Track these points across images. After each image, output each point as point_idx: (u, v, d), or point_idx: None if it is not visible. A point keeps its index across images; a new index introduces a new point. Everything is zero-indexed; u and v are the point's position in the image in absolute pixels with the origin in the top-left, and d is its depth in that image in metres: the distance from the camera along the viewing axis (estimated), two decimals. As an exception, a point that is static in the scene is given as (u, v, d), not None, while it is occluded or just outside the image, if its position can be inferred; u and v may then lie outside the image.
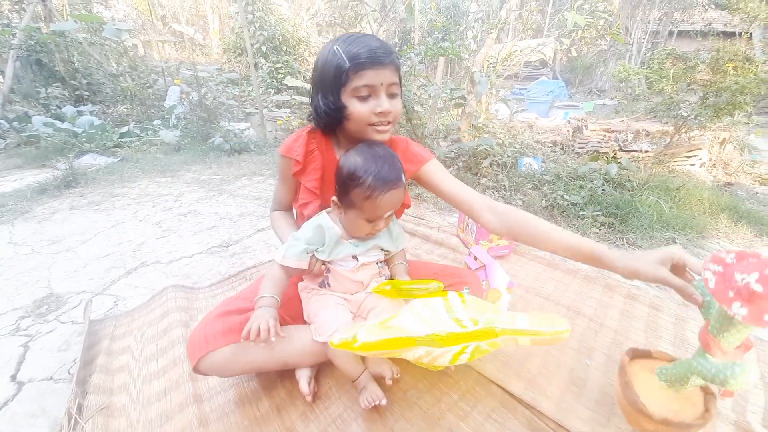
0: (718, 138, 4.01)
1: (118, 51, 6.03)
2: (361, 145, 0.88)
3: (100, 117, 5.06)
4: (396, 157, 0.89)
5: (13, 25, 5.13)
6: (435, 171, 1.01)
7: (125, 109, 5.66)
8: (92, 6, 6.86)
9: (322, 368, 1.00)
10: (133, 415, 0.92)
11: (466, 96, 3.43)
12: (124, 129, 4.63)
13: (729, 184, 3.64)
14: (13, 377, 1.14)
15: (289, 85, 6.80)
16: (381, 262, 1.02)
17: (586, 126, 4.34)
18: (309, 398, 0.90)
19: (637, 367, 0.82)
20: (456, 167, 3.10)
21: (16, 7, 5.55)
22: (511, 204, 2.54)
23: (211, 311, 0.93)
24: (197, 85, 4.71)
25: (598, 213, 2.35)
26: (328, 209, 0.96)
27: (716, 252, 0.65)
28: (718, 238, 2.22)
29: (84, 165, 3.53)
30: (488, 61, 3.84)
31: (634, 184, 2.74)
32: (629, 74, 7.58)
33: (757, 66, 4.02)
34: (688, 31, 9.87)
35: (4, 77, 4.91)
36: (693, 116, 3.36)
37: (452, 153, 3.17)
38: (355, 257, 0.95)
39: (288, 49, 8.08)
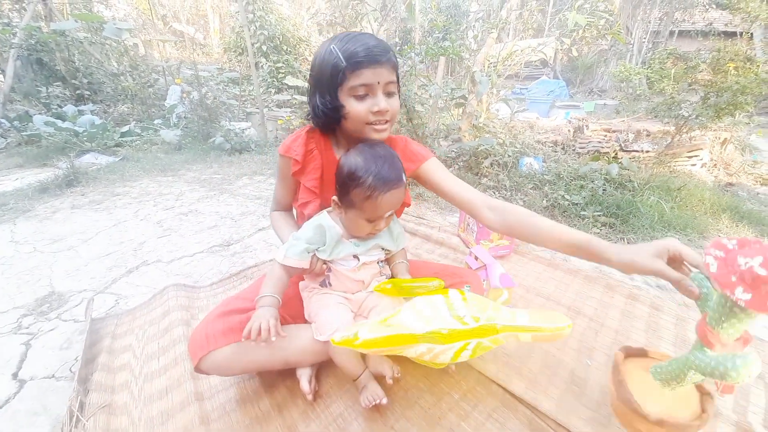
0: (719, 138, 4.00)
1: (119, 50, 6.04)
2: (362, 145, 0.88)
3: (101, 116, 5.07)
4: (396, 156, 0.89)
5: (14, 24, 5.14)
6: (435, 169, 1.01)
7: (126, 109, 5.67)
8: (93, 5, 6.86)
9: (323, 367, 1.00)
10: (135, 413, 0.92)
11: (466, 96, 3.43)
12: (125, 128, 4.63)
13: (730, 184, 3.64)
14: (15, 375, 1.14)
15: (290, 84, 6.81)
16: (382, 261, 1.02)
17: (587, 126, 4.34)
18: (310, 397, 0.91)
19: (631, 365, 0.80)
20: (457, 167, 3.10)
21: (17, 6, 5.55)
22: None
23: (212, 311, 0.94)
24: (198, 85, 4.71)
25: (599, 213, 2.35)
26: (329, 209, 0.96)
27: (717, 238, 0.63)
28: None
29: (85, 164, 3.53)
30: (489, 60, 3.84)
31: (635, 184, 2.73)
32: (630, 74, 7.57)
33: (758, 66, 4.02)
34: (689, 31, 9.86)
35: (4, 76, 4.91)
36: (694, 116, 3.36)
37: (453, 153, 3.17)
38: (356, 257, 0.95)
39: (288, 49, 8.08)
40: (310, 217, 0.96)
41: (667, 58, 7.60)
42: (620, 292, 1.40)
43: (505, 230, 0.92)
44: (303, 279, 1.02)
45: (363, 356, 0.92)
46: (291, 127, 4.66)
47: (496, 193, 2.80)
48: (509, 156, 3.12)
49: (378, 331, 0.76)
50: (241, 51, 8.42)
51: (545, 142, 4.08)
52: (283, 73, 7.55)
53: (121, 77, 5.65)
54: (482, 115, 3.84)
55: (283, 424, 0.88)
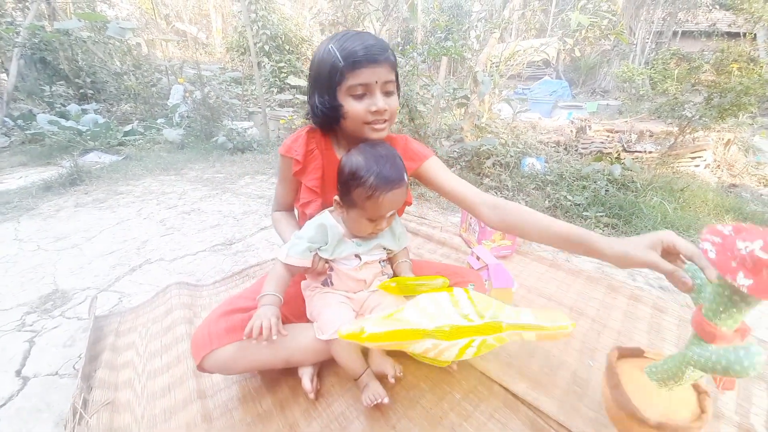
0: (723, 139, 4.00)
1: (122, 50, 6.05)
2: (363, 145, 0.88)
3: (104, 115, 5.09)
4: (398, 156, 0.89)
5: (17, 23, 5.16)
6: (435, 168, 1.01)
7: (129, 108, 5.69)
8: (96, 4, 6.88)
9: (325, 366, 1.00)
10: (138, 411, 0.93)
11: (469, 96, 3.43)
12: (128, 127, 4.65)
13: (734, 185, 3.63)
14: (19, 372, 1.15)
15: (292, 84, 6.82)
16: (383, 260, 1.02)
17: (589, 126, 4.33)
18: (311, 396, 0.91)
19: (624, 366, 0.77)
20: (459, 167, 3.10)
21: (20, 5, 5.57)
22: (514, 204, 2.53)
23: (215, 310, 0.94)
24: (200, 84, 4.72)
25: (601, 214, 2.34)
26: (331, 208, 0.96)
27: (712, 224, 0.61)
28: (721, 240, 2.22)
29: (88, 163, 3.54)
30: (491, 60, 3.84)
31: (638, 185, 2.73)
32: (633, 74, 7.55)
33: (762, 67, 4.01)
34: (693, 32, 9.81)
35: (8, 75, 4.93)
36: (697, 117, 3.35)
37: (455, 153, 3.17)
38: (357, 256, 0.95)
39: (291, 48, 8.10)
40: (311, 216, 0.96)
41: (671, 58, 7.57)
42: (623, 293, 1.40)
43: (504, 227, 0.92)
44: (305, 278, 1.02)
45: (365, 355, 0.92)
46: (293, 127, 4.66)
47: (499, 193, 2.80)
48: (511, 156, 3.12)
49: (384, 325, 0.77)
50: (243, 50, 8.44)
51: (547, 142, 4.08)
52: (285, 72, 7.56)
53: (125, 76, 5.67)
54: (484, 115, 3.84)
55: (285, 423, 0.88)
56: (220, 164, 3.76)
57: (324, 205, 0.98)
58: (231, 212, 2.47)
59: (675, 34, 10.32)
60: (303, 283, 1.03)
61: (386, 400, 0.85)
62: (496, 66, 3.83)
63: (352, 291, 0.97)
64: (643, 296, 1.37)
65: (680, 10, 9.76)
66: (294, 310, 1.01)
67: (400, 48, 3.88)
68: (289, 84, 7.12)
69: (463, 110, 3.74)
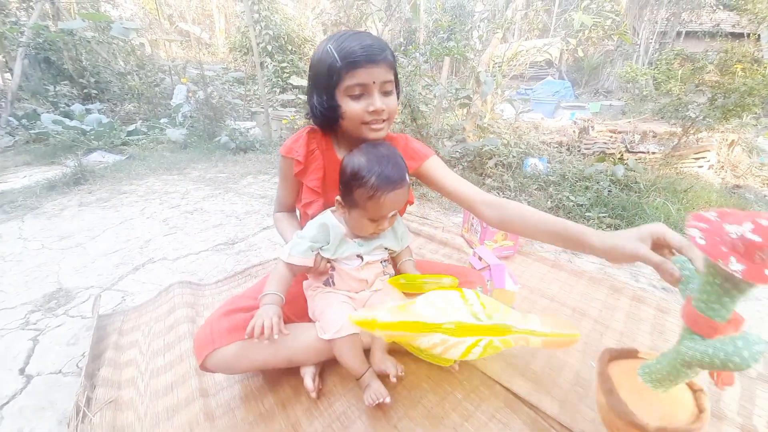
0: (727, 140, 3.98)
1: (126, 50, 6.09)
2: (365, 145, 0.88)
3: (107, 115, 5.11)
4: (400, 156, 0.89)
5: (22, 23, 5.19)
6: (436, 167, 1.01)
7: (132, 108, 5.72)
8: (100, 5, 6.91)
9: (327, 365, 1.00)
10: (141, 409, 0.93)
11: (471, 96, 3.43)
12: (132, 127, 4.67)
13: (737, 186, 3.61)
14: (22, 371, 1.15)
15: (295, 84, 6.84)
16: (385, 260, 1.02)
17: (592, 127, 4.33)
18: (313, 395, 0.91)
19: (616, 370, 0.74)
20: (461, 167, 3.10)
21: (24, 5, 5.60)
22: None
23: (217, 309, 0.94)
24: (203, 84, 4.74)
25: (604, 214, 2.34)
26: (332, 208, 0.96)
27: (696, 212, 0.58)
28: (725, 241, 2.20)
29: (92, 162, 3.56)
30: (494, 60, 3.83)
31: (641, 186, 2.72)
32: (636, 75, 7.53)
33: (765, 68, 4.00)
34: (696, 32, 9.78)
35: (12, 75, 4.96)
36: (701, 117, 3.34)
37: (457, 153, 3.17)
38: (359, 256, 0.95)
39: (293, 49, 8.11)
40: (313, 217, 0.96)
41: (674, 58, 7.54)
42: (625, 294, 1.40)
43: (502, 226, 0.92)
44: (307, 278, 1.02)
45: (367, 355, 0.92)
46: (295, 127, 4.67)
47: (501, 194, 2.79)
48: (514, 157, 3.12)
49: (396, 315, 0.77)
50: (246, 51, 8.46)
51: (550, 142, 4.08)
52: (287, 72, 7.58)
53: (128, 76, 5.69)
54: (487, 115, 3.84)
55: (287, 422, 0.88)
56: (223, 164, 3.77)
57: (325, 205, 0.98)
58: (233, 212, 2.48)
59: (679, 34, 10.29)
60: (305, 282, 1.03)
61: (388, 400, 0.85)
62: (499, 66, 3.83)
63: (354, 291, 0.97)
64: (646, 297, 1.37)
65: (684, 11, 9.74)
66: (296, 310, 1.01)
67: (402, 48, 3.89)
68: (291, 84, 7.14)
69: (465, 110, 3.74)
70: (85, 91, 5.64)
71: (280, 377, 0.99)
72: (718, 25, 9.41)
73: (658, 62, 7.99)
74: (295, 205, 1.08)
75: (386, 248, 1.01)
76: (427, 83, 3.44)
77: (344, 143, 0.98)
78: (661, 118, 4.52)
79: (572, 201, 2.50)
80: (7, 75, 5.48)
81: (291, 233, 0.97)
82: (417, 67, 3.15)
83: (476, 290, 0.88)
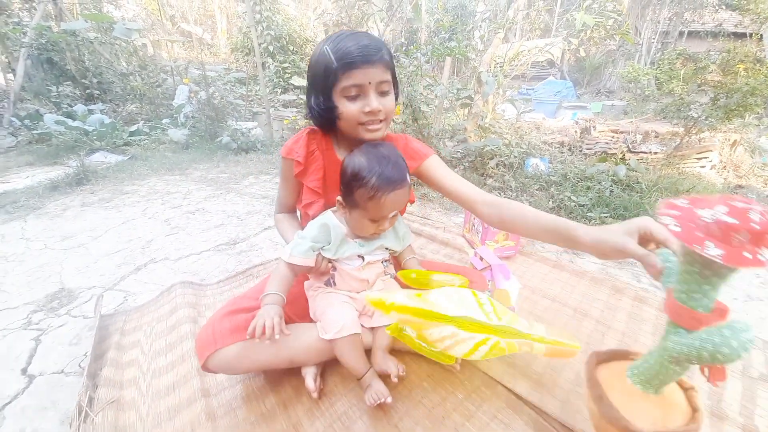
0: (729, 140, 3.97)
1: (128, 50, 6.11)
2: (366, 145, 0.88)
3: (110, 115, 5.13)
4: (401, 156, 0.89)
5: (24, 23, 5.21)
6: (436, 167, 1.02)
7: (135, 108, 5.73)
8: (102, 5, 6.94)
9: (328, 365, 1.00)
10: (143, 409, 0.93)
11: (472, 96, 3.43)
12: (134, 127, 4.69)
13: (740, 186, 3.60)
14: (25, 371, 1.16)
15: (296, 84, 6.85)
16: (386, 260, 1.02)
17: (594, 127, 4.32)
18: (315, 395, 0.91)
19: (605, 373, 0.71)
20: (462, 167, 3.10)
21: (27, 5, 5.63)
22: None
23: (219, 310, 0.95)
24: (205, 85, 4.75)
25: (605, 215, 2.33)
26: (333, 208, 0.97)
27: (666, 200, 0.56)
28: (727, 241, 2.20)
29: (94, 162, 3.57)
30: (495, 61, 3.83)
31: (643, 186, 2.71)
32: (638, 75, 7.52)
33: (769, 67, 3.98)
34: (699, 32, 9.75)
35: (15, 75, 4.99)
36: (703, 117, 3.33)
37: (458, 153, 3.17)
38: (360, 256, 0.95)
39: (295, 49, 8.13)
40: (314, 217, 0.96)
41: (677, 58, 7.53)
42: (627, 294, 1.39)
43: (502, 225, 0.92)
44: (308, 278, 1.02)
45: (367, 355, 0.92)
46: (297, 127, 4.68)
47: (502, 194, 2.79)
48: (515, 157, 3.11)
49: (411, 300, 0.78)
50: (248, 51, 8.48)
51: (552, 143, 4.07)
52: (289, 73, 7.60)
53: (130, 77, 5.71)
54: (488, 115, 3.84)
55: (288, 422, 0.88)
56: (225, 164, 3.77)
57: (326, 206, 0.98)
58: (235, 212, 2.48)
59: (681, 34, 10.26)
60: (306, 283, 1.03)
61: (389, 400, 0.85)
62: (500, 66, 3.83)
63: (355, 291, 0.97)
64: (647, 297, 1.36)
65: (686, 10, 9.71)
66: (297, 310, 1.01)
67: (404, 48, 3.89)
68: (293, 84, 7.15)
69: (466, 110, 3.74)
70: (87, 91, 5.67)
71: (282, 377, 0.99)
72: (720, 24, 9.38)
73: (660, 62, 7.98)
74: (295, 205, 1.09)
75: (387, 248, 1.01)
76: (428, 83, 3.44)
77: (344, 144, 0.98)
78: (663, 118, 4.51)
79: (574, 201, 2.50)
80: (10, 75, 5.52)
81: (292, 234, 0.97)
82: (418, 67, 3.16)
83: (486, 293, 0.89)
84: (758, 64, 4.14)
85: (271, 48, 7.73)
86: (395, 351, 1.00)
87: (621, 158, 3.41)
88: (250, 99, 6.30)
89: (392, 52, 0.93)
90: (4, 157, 3.88)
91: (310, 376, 0.93)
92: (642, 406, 0.64)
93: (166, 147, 4.33)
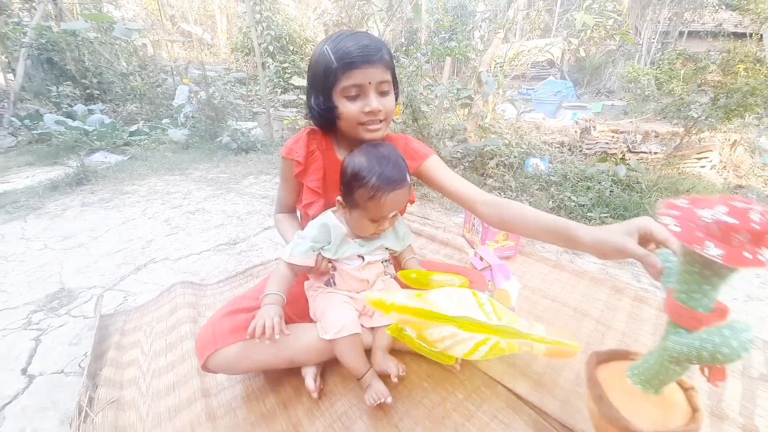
0: (729, 140, 3.97)
1: (128, 50, 6.11)
2: (366, 145, 0.88)
3: (110, 115, 5.13)
4: (401, 156, 0.89)
5: (24, 23, 5.21)
6: (436, 166, 1.02)
7: (135, 108, 5.74)
8: (102, 5, 6.94)
9: (328, 365, 1.00)
10: (143, 409, 0.93)
11: (472, 96, 3.43)
12: (134, 127, 4.69)
13: (740, 186, 3.60)
14: (25, 371, 1.16)
15: (296, 84, 6.85)
16: (386, 260, 1.02)
17: (594, 127, 4.32)
18: (315, 395, 0.91)
19: (605, 373, 0.71)
20: (462, 167, 3.10)
21: (27, 5, 5.63)
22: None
23: (219, 310, 0.95)
24: (205, 85, 4.75)
25: (605, 215, 2.33)
26: (333, 208, 0.97)
27: (665, 200, 0.56)
28: (727, 241, 2.20)
29: (94, 162, 3.57)
30: (495, 61, 3.83)
31: (643, 186, 2.71)
32: (638, 75, 7.52)
33: (768, 67, 3.98)
34: (699, 32, 9.76)
35: (15, 75, 4.99)
36: (703, 117, 3.33)
37: (458, 153, 3.17)
38: (360, 256, 0.95)
39: (295, 49, 8.13)
40: (314, 217, 0.96)
41: (677, 58, 7.53)
42: (627, 294, 1.39)
43: (502, 225, 0.92)
44: (308, 278, 1.02)
45: (368, 355, 0.92)
46: (297, 127, 4.68)
47: (502, 194, 2.79)
48: (515, 157, 3.11)
49: (412, 300, 0.78)
50: (248, 51, 8.48)
51: (552, 143, 4.07)
52: (289, 73, 7.60)
53: (130, 77, 5.71)
54: (488, 115, 3.84)
55: (288, 422, 0.88)
56: (225, 164, 3.77)
57: (326, 206, 0.98)
58: (235, 212, 2.48)
59: (681, 34, 10.26)
60: (306, 283, 1.03)
61: (389, 400, 0.85)
62: (500, 66, 3.83)
63: (355, 291, 0.97)
64: (647, 297, 1.36)
65: (686, 10, 9.71)
66: (297, 310, 1.01)
67: (404, 48, 3.89)
68: (293, 84, 7.15)
69: (466, 110, 3.74)
70: (87, 91, 5.67)
71: (282, 377, 0.99)
72: (720, 24, 9.38)
73: (660, 62, 7.98)
74: (295, 206, 1.09)
75: (387, 248, 1.01)
76: (428, 83, 3.44)
77: (344, 143, 0.98)
78: (663, 118, 4.51)
79: (574, 201, 2.50)
80: (10, 75, 5.52)
81: (292, 234, 0.97)
82: (418, 67, 3.16)
83: (486, 293, 0.89)
84: (758, 64, 4.14)
85: (271, 48, 7.74)
86: (395, 351, 1.00)
87: (621, 158, 3.41)
88: (250, 99, 6.31)
89: (392, 52, 0.93)
90: (4, 157, 3.88)
91: (310, 376, 0.93)
92: (642, 406, 0.64)
93: (166, 147, 4.33)
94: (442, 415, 0.88)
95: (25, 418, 0.99)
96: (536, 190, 2.81)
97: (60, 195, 2.79)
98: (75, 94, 5.54)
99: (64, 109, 4.97)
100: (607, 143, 3.95)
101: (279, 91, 7.25)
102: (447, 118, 3.88)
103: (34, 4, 5.42)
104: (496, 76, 3.29)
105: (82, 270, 1.76)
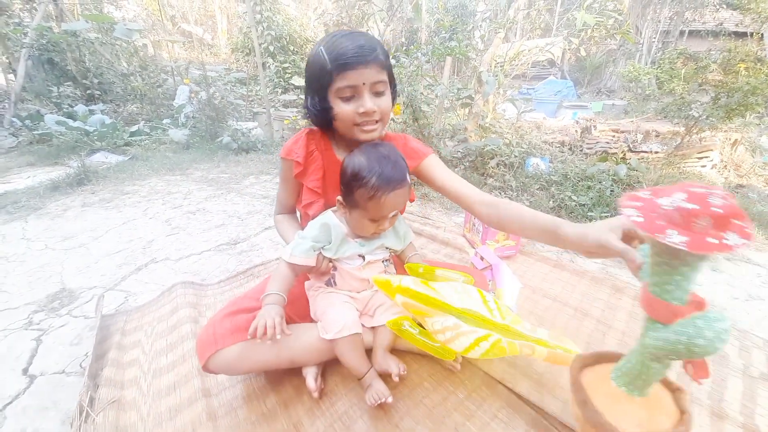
0: (730, 139, 3.96)
1: (129, 51, 6.11)
2: (366, 145, 0.88)
3: (111, 116, 5.13)
4: (401, 156, 0.89)
5: (25, 24, 5.22)
6: (435, 166, 1.02)
7: (135, 108, 5.74)
8: (103, 6, 6.94)
9: (329, 365, 1.00)
10: (144, 409, 0.93)
11: (473, 96, 3.43)
12: (135, 128, 4.69)
13: (740, 186, 3.59)
14: (26, 371, 1.16)
15: (296, 84, 6.84)
16: (387, 260, 1.02)
17: (594, 126, 4.32)
18: (315, 395, 0.91)
19: (590, 377, 0.70)
20: (463, 167, 3.10)
21: (28, 6, 5.63)
22: (518, 204, 2.53)
23: (220, 311, 0.95)
24: (206, 85, 4.75)
25: (606, 214, 2.33)
26: (334, 208, 0.97)
27: (628, 192, 0.56)
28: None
29: (95, 163, 3.58)
30: (496, 60, 3.83)
31: (644, 186, 2.71)
32: (639, 74, 7.51)
33: (770, 66, 3.97)
34: (699, 31, 9.74)
35: (16, 76, 4.99)
36: (704, 117, 3.33)
37: (459, 153, 3.17)
38: (361, 256, 0.95)
39: (295, 49, 8.14)
40: (314, 217, 0.96)
41: (677, 58, 7.52)
42: (628, 293, 1.39)
43: (499, 225, 0.92)
44: (309, 278, 1.03)
45: (368, 355, 0.92)
46: (297, 127, 4.68)
47: (503, 193, 2.79)
48: (516, 156, 3.11)
49: (418, 285, 0.79)
50: (248, 51, 8.48)
51: (552, 142, 4.06)
52: (289, 73, 7.60)
53: (131, 77, 5.72)
54: (489, 115, 3.84)
55: (289, 421, 0.88)
56: (225, 164, 3.78)
57: (326, 206, 0.98)
58: (235, 212, 2.48)
59: (682, 33, 10.24)
60: (306, 283, 1.03)
61: (390, 400, 0.85)
62: (501, 66, 3.83)
63: (356, 291, 0.97)
64: (648, 297, 1.36)
65: (687, 10, 9.69)
66: (298, 311, 1.01)
67: (404, 48, 3.89)
68: (293, 84, 7.15)
69: (467, 110, 3.74)
70: (88, 92, 5.67)
71: (282, 377, 0.99)
72: (721, 24, 9.37)
73: (661, 61, 7.97)
74: (295, 206, 1.09)
75: (387, 248, 1.01)
76: (428, 83, 3.45)
77: (343, 144, 0.98)
78: (664, 117, 4.51)
79: (574, 201, 2.50)
80: (11, 76, 5.52)
81: (292, 234, 0.97)
82: (419, 67, 3.16)
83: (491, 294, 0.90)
84: (759, 64, 4.14)
85: (271, 48, 7.74)
86: (396, 351, 1.00)
87: (622, 158, 3.40)
88: (250, 99, 6.31)
89: (393, 51, 0.93)
90: (5, 157, 3.88)
91: (310, 375, 0.93)
92: (627, 408, 0.63)
93: (166, 147, 4.34)
94: (443, 415, 0.88)
95: (26, 418, 1.00)
96: (537, 189, 2.81)
97: (61, 195, 2.79)
98: (76, 94, 5.54)
99: (64, 110, 4.97)
100: (607, 143, 3.94)
101: (279, 91, 7.26)
102: (447, 118, 3.88)
103: (34, 5, 5.42)
104: (496, 75, 3.29)
105: (82, 270, 1.76)
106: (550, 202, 2.57)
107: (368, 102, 0.84)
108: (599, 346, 1.11)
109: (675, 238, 0.46)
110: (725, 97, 3.25)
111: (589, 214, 2.35)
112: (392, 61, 3.19)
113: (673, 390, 0.66)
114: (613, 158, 3.34)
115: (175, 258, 1.87)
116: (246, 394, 0.96)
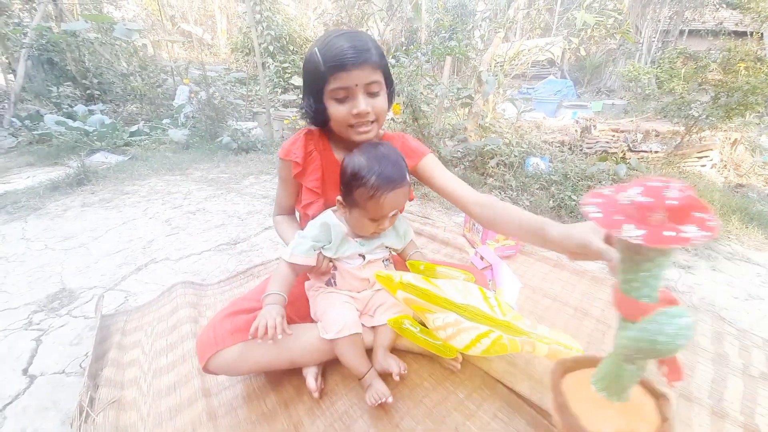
0: (730, 139, 3.96)
1: (129, 51, 6.11)
2: (366, 144, 0.89)
3: (110, 116, 5.13)
4: (400, 156, 0.89)
5: (25, 24, 5.22)
6: (432, 165, 1.02)
7: (135, 108, 5.73)
8: (103, 6, 6.94)
9: (329, 365, 1.00)
10: (144, 409, 0.94)
11: (473, 95, 3.43)
12: (134, 128, 4.69)
13: (740, 185, 3.59)
14: (26, 371, 1.16)
15: (296, 84, 6.84)
16: (387, 259, 1.02)
17: (594, 126, 4.31)
18: (316, 394, 0.91)
19: (571, 381, 0.69)
20: (462, 167, 3.09)
21: (27, 6, 5.63)
22: (518, 204, 2.53)
23: (220, 311, 0.95)
24: (205, 85, 4.75)
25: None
26: (334, 207, 0.97)
27: (592, 190, 0.55)
28: (729, 240, 2.20)
29: (95, 163, 3.57)
30: (495, 60, 3.83)
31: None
32: (639, 74, 7.50)
33: (770, 66, 3.97)
34: (699, 30, 9.74)
35: (15, 76, 4.99)
36: (704, 116, 3.33)
37: (459, 153, 3.16)
38: (361, 255, 0.96)
39: (295, 49, 8.13)
40: (313, 218, 0.96)
41: (677, 57, 7.52)
42: (627, 293, 1.39)
43: (492, 226, 0.92)
44: (309, 279, 1.03)
45: (369, 355, 0.93)
46: (297, 127, 4.68)
47: (502, 193, 2.79)
48: (515, 156, 3.11)
49: (420, 282, 0.79)
50: (248, 51, 8.47)
51: (552, 142, 4.06)
52: (289, 73, 7.59)
53: (131, 77, 5.71)
54: (488, 114, 3.84)
55: (289, 421, 0.88)
56: (225, 164, 3.77)
57: (326, 206, 0.99)
58: (235, 212, 2.48)
59: (682, 32, 10.23)
60: (307, 283, 1.03)
61: (390, 400, 0.85)
62: (501, 65, 3.83)
63: (356, 290, 0.97)
64: (648, 297, 1.36)
65: (687, 9, 9.69)
66: (298, 311, 1.01)
67: (404, 48, 3.88)
68: (293, 84, 7.15)
69: (466, 110, 3.74)
70: (88, 92, 5.67)
71: (283, 377, 0.99)
72: (721, 23, 9.36)
73: (660, 61, 7.97)
74: (294, 207, 1.09)
75: (388, 247, 1.01)
76: (428, 83, 3.44)
77: (341, 143, 0.98)
78: (664, 117, 4.51)
79: (574, 200, 2.50)
80: (11, 76, 5.51)
81: (292, 235, 0.97)
82: (419, 66, 3.15)
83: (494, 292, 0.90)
84: (759, 63, 4.14)
85: (271, 48, 7.73)
86: (396, 350, 1.00)
87: (621, 157, 3.41)
88: (250, 99, 6.30)
89: (392, 51, 0.93)
90: (5, 157, 3.88)
91: (311, 375, 0.93)
92: (607, 414, 0.62)
93: (166, 147, 4.34)
94: (443, 414, 0.88)
95: (26, 418, 1.00)
96: (537, 189, 2.81)
97: (60, 195, 2.79)
98: (75, 94, 5.53)
99: (64, 110, 4.97)
100: (607, 142, 3.94)
101: (279, 91, 7.25)
102: (447, 118, 3.88)
103: (34, 5, 5.41)
104: (496, 75, 3.29)
105: (82, 270, 1.76)
106: (550, 202, 2.57)
107: (362, 103, 0.84)
108: (599, 346, 1.11)
109: (632, 233, 0.46)
110: (725, 96, 3.25)
111: (589, 213, 2.35)
112: (392, 61, 3.19)
113: (657, 397, 0.65)
114: (613, 158, 3.35)
115: (175, 258, 1.87)
116: (246, 394, 0.97)
